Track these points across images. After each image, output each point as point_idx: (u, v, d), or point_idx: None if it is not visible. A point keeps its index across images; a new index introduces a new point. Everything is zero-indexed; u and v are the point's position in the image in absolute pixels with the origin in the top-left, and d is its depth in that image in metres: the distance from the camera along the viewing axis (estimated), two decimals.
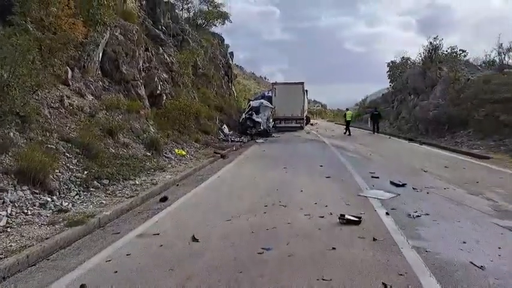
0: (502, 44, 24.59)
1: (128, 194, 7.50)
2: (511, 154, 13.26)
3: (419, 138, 21.03)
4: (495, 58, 25.86)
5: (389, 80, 40.63)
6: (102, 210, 6.29)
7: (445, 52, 27.05)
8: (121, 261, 4.42)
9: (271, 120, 25.61)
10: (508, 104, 17.05)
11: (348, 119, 27.72)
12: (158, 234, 5.34)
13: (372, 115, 29.61)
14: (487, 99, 18.49)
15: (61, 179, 7.29)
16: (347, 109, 32.33)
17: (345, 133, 26.77)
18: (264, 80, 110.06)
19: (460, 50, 26.23)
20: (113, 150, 9.73)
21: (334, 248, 4.62)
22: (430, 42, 27.30)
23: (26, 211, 5.92)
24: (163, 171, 10.15)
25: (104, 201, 6.92)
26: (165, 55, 18.75)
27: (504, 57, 24.88)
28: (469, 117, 19.01)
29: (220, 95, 28.16)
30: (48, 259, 4.57)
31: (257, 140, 21.11)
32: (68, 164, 7.91)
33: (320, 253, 4.50)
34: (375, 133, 27.42)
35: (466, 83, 22.06)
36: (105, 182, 8.00)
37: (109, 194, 7.44)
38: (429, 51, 27.32)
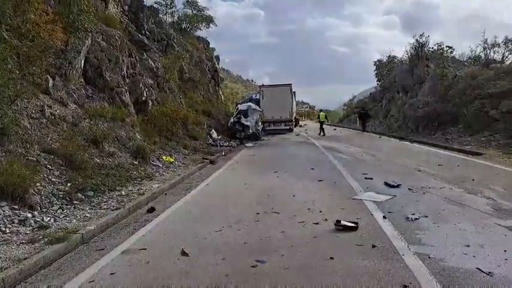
0: (487, 39, 24.77)
1: (113, 206, 7.18)
2: (503, 150, 13.20)
3: (409, 136, 21.00)
4: (481, 54, 26.02)
5: (376, 79, 40.88)
6: (86, 225, 5.98)
7: (431, 49, 27.15)
8: (105, 282, 4.10)
9: (260, 123, 25.39)
10: (497, 99, 17.07)
11: (321, 120, 28.50)
12: (145, 249, 5.03)
13: (360, 114, 29.92)
14: (476, 95, 18.53)
15: (42, 193, 6.94)
16: (321, 110, 32.99)
17: (319, 134, 27.10)
18: (252, 82, 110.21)
19: (446, 46, 26.36)
20: (98, 160, 9.38)
21: (332, 258, 4.37)
22: (417, 40, 27.36)
23: (4, 229, 5.58)
24: (151, 179, 9.84)
25: (88, 215, 6.60)
26: (150, 60, 18.41)
27: (489, 53, 25.06)
28: (458, 114, 19.04)
29: (207, 99, 27.89)
30: (26, 281, 4.25)
31: (246, 144, 20.85)
32: (50, 177, 7.56)
33: (317, 264, 4.24)
34: (364, 132, 27.61)
35: (453, 79, 22.12)
36: (90, 193, 7.67)
37: (94, 207, 7.12)
38: (416, 48, 27.34)
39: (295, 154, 15.78)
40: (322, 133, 27.00)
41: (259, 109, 26.02)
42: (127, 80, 14.29)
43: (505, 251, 4.36)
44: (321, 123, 28.22)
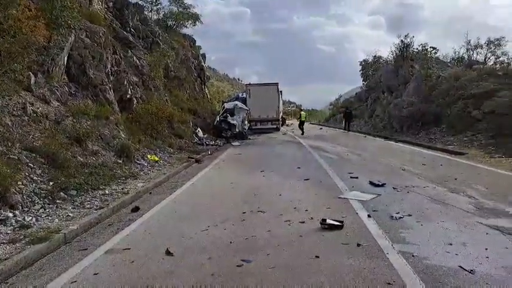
0: (470, 40, 25.24)
1: (97, 205, 7.09)
2: (485, 149, 13.47)
3: (394, 136, 21.25)
4: (464, 55, 26.49)
5: (362, 79, 41.22)
6: (68, 224, 5.89)
7: (416, 50, 27.52)
8: (87, 283, 4.05)
9: (246, 122, 25.38)
10: (479, 99, 17.40)
11: (302, 119, 29.31)
12: (129, 249, 4.98)
13: (345, 114, 30.55)
14: (459, 96, 18.87)
15: (24, 192, 6.81)
16: (301, 110, 33.71)
17: (302, 133, 27.41)
18: (238, 81, 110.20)
19: (430, 47, 26.75)
20: (81, 159, 9.25)
21: (317, 257, 4.40)
22: (402, 40, 27.72)
23: None
24: (135, 178, 9.75)
25: (71, 214, 6.49)
26: (135, 58, 18.21)
27: (472, 54, 25.53)
28: (442, 114, 19.35)
29: (193, 97, 27.74)
30: (6, 282, 4.17)
31: (233, 143, 20.83)
32: (32, 175, 7.42)
33: (303, 263, 4.27)
34: (348, 131, 28.17)
35: (437, 80, 22.48)
36: (73, 193, 7.54)
37: (77, 206, 7.01)
38: (401, 49, 27.71)
39: (281, 153, 15.83)
40: (301, 132, 27.49)
41: (246, 108, 26.00)
42: (111, 78, 14.10)
43: (486, 249, 4.45)
44: (302, 122, 28.88)
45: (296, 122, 51.58)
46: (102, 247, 5.14)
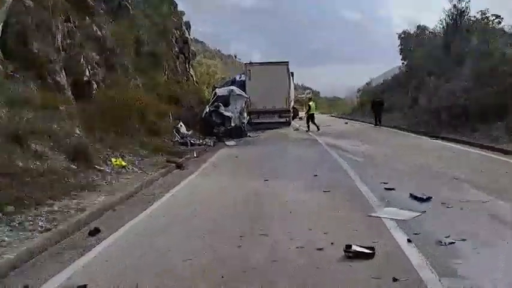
0: None
1: (42, 227, 7.07)
2: None
3: (443, 133, 21.21)
4: None
5: (401, 58, 41.13)
6: (3, 253, 5.87)
7: (473, 18, 27.44)
8: None
9: (245, 114, 25.43)
10: None
11: (311, 112, 28.92)
12: (85, 286, 4.96)
13: (373, 104, 30.33)
14: None
15: None
16: (310, 99, 33.56)
17: (307, 131, 27.59)
18: (235, 59, 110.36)
19: (493, 15, 26.64)
20: (21, 164, 9.27)
21: None
22: (454, 5, 27.67)
23: None
24: (95, 190, 9.76)
25: (6, 239, 6.46)
26: (95, 27, 18.27)
27: None
28: (507, 104, 19.26)
29: (174, 80, 27.85)
30: None
31: (227, 142, 20.97)
32: None
33: None
34: (377, 126, 28.96)
35: (502, 59, 22.39)
36: (9, 209, 7.54)
37: (15, 227, 6.99)
38: (453, 16, 27.64)
39: (292, 155, 15.97)
40: (310, 128, 27.70)
41: (245, 95, 26.03)
42: (62, 54, 14.17)
43: None
44: (311, 116, 28.62)
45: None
46: (49, 284, 5.12)
